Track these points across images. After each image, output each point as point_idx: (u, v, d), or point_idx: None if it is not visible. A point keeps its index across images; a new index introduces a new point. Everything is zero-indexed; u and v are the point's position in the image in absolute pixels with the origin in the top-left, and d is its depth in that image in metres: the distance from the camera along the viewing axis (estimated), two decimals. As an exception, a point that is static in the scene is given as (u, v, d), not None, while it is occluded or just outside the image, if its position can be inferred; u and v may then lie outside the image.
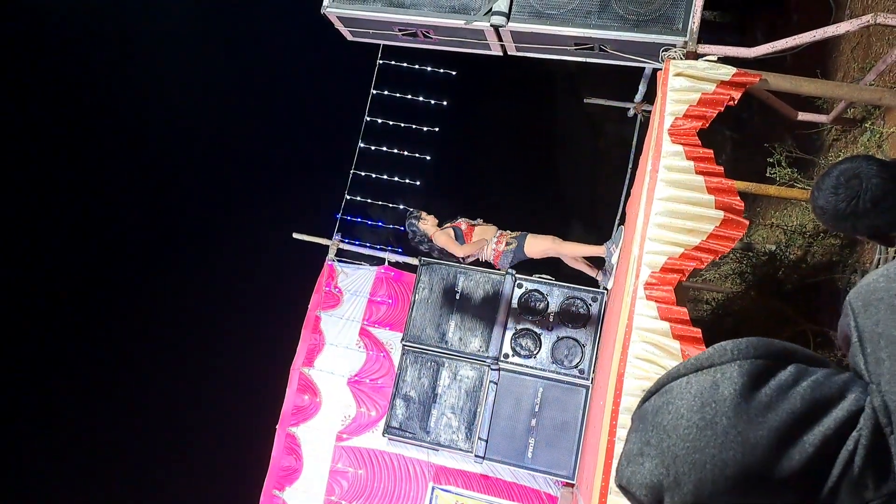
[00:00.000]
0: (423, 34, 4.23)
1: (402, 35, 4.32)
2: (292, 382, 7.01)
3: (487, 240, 6.03)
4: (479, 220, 6.23)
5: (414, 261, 6.78)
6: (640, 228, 3.79)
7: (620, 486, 0.81)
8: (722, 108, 3.73)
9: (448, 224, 6.16)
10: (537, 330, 6.26)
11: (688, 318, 3.61)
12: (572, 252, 6.08)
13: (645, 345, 3.61)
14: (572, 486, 6.01)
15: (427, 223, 6.09)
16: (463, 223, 6.16)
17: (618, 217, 6.61)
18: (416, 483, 6.71)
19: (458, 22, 4.08)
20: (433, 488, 6.39)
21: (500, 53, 4.30)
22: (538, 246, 5.93)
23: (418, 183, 6.49)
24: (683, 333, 3.59)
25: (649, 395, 0.83)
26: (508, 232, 6.09)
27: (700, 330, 3.59)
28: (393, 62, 5.84)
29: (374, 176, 6.48)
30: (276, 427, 6.97)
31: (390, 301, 6.96)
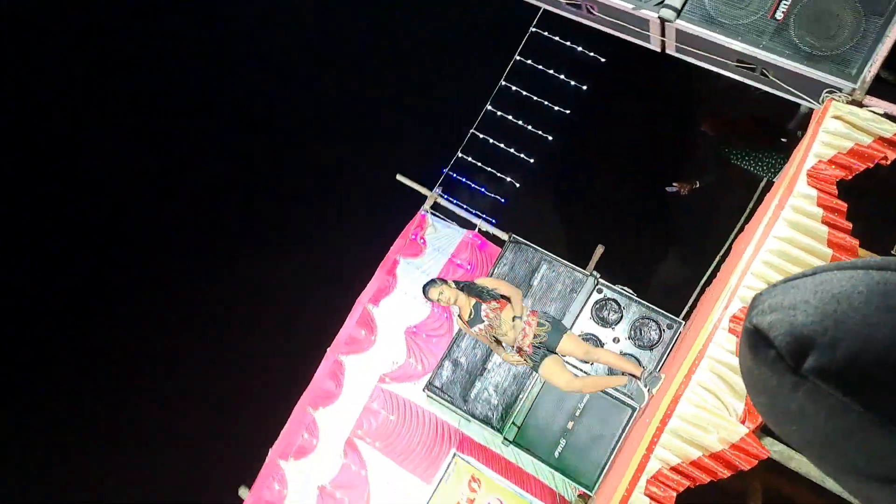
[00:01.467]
0: (588, 7, 4.16)
1: (566, 3, 4.26)
2: (354, 314, 7.15)
3: (504, 331, 5.08)
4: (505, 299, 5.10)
5: (503, 235, 6.77)
6: (746, 259, 3.64)
7: (754, 328, 0.75)
8: (871, 165, 3.52)
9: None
10: (602, 339, 6.16)
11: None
12: (606, 362, 5.40)
13: (712, 374, 3.50)
14: (588, 497, 5.93)
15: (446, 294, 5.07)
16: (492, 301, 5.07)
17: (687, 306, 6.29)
18: (439, 444, 6.76)
19: (626, 4, 3.99)
20: (454, 454, 6.42)
21: (657, 49, 4.18)
22: (571, 348, 5.15)
23: (532, 161, 6.43)
24: (756, 377, 3.45)
25: (792, 277, 0.78)
26: (537, 316, 5.12)
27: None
28: (546, 33, 5.78)
29: (490, 141, 6.46)
30: (328, 350, 7.14)
31: (469, 267, 6.97)
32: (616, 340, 6.14)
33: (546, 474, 6.42)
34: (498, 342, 5.17)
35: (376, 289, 7.12)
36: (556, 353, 5.17)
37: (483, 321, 5.10)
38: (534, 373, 5.52)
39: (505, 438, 6.16)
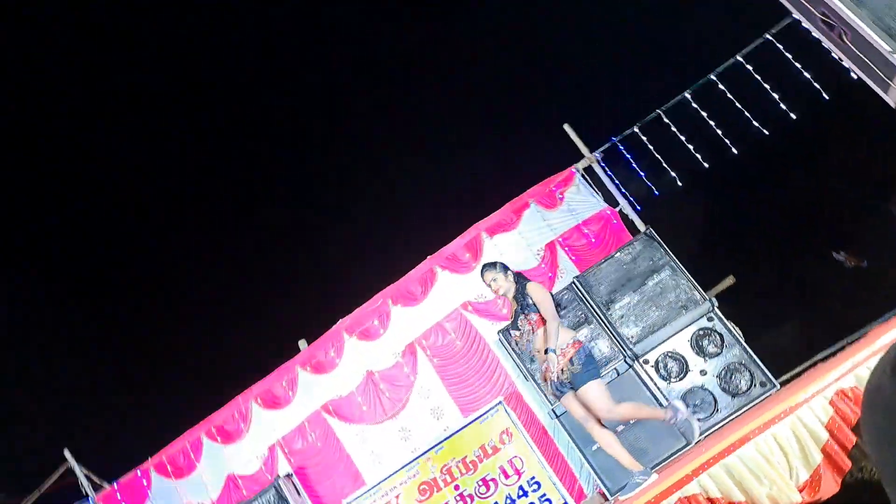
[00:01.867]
0: (841, 33, 3.85)
1: (821, 20, 3.96)
2: (466, 235, 7.21)
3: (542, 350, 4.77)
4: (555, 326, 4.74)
5: (641, 225, 6.57)
6: (881, 345, 3.38)
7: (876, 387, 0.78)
8: None
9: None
10: (690, 365, 5.95)
11: (850, 447, 3.25)
12: (628, 417, 4.94)
13: (791, 433, 3.31)
14: (606, 500, 5.84)
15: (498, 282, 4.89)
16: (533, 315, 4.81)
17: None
18: (490, 387, 6.83)
19: (884, 45, 3.67)
20: (500, 403, 6.47)
21: (893, 105, 3.84)
22: (593, 398, 4.64)
23: (707, 165, 6.13)
24: (833, 455, 3.25)
25: None
26: (574, 352, 4.71)
27: (850, 464, 3.23)
28: (781, 46, 5.41)
29: (672, 129, 6.21)
30: (429, 257, 7.26)
31: (594, 240, 6.84)
32: (703, 373, 5.91)
33: (576, 460, 6.37)
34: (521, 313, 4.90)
35: (497, 221, 7.13)
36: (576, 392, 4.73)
37: (518, 329, 4.95)
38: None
39: (553, 411, 6.12)
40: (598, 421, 4.72)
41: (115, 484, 7.71)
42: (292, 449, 7.35)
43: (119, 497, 7.60)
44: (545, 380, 4.80)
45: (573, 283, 6.30)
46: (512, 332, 4.92)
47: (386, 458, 7.06)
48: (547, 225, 6.93)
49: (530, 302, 4.81)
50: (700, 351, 5.96)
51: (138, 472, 7.67)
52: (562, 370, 4.68)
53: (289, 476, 6.91)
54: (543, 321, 4.77)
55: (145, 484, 7.59)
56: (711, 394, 5.83)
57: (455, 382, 6.96)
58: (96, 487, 7.74)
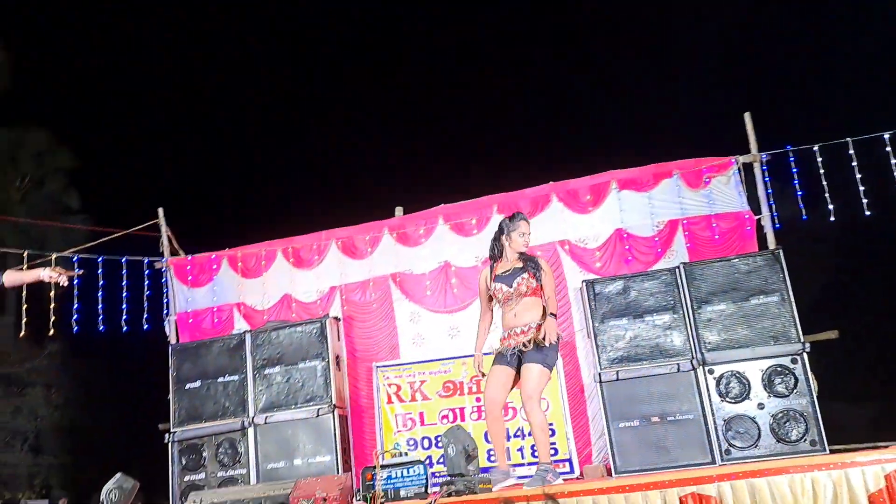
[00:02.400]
0: None
1: None
2: (596, 179, 7.04)
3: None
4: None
5: (772, 243, 6.21)
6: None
7: None
8: None
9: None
10: (751, 394, 5.69)
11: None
12: (534, 427, 4.57)
13: (830, 485, 3.15)
14: (608, 475, 5.78)
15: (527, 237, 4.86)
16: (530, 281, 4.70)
17: None
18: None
19: None
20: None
21: None
22: (530, 379, 4.54)
23: (868, 213, 5.62)
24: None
25: None
26: (543, 333, 4.55)
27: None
28: None
29: (854, 163, 5.72)
30: (552, 182, 7.13)
31: (718, 237, 6.58)
32: (760, 406, 5.66)
33: (597, 429, 6.32)
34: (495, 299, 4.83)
35: (632, 177, 6.90)
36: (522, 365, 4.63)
37: (511, 287, 4.74)
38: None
39: (599, 375, 6.03)
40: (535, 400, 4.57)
41: (189, 257, 8.20)
42: (349, 298, 7.59)
43: (189, 269, 8.10)
44: (509, 347, 4.70)
45: (679, 267, 6.08)
46: (503, 285, 4.75)
47: (427, 345, 7.21)
48: (680, 202, 6.65)
49: (539, 273, 4.77)
50: (768, 385, 5.69)
51: (213, 255, 8.12)
52: (530, 341, 4.61)
53: (336, 319, 7.16)
54: (539, 294, 4.73)
55: (214, 268, 8.04)
56: (758, 429, 5.61)
57: (521, 307, 6.93)
58: (174, 252, 8.26)
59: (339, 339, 7.07)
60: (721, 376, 5.78)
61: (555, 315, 4.67)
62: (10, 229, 15.51)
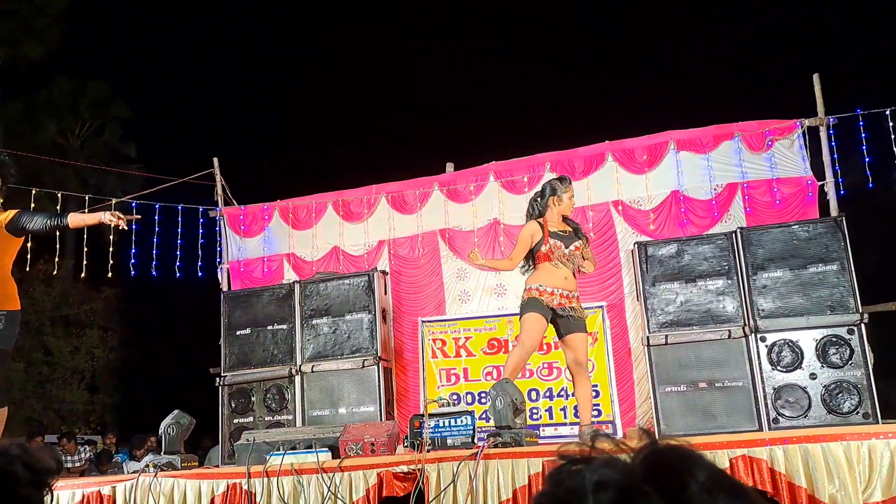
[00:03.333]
0: None
1: None
2: (653, 139, 6.88)
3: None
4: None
5: (834, 210, 6.00)
6: None
7: None
8: None
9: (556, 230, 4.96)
10: (804, 364, 5.56)
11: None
12: (580, 392, 4.87)
13: (888, 453, 3.06)
14: (649, 435, 5.74)
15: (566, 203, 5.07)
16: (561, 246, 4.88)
17: None
18: (599, 287, 6.78)
19: None
20: (601, 307, 6.45)
21: None
22: (576, 345, 4.78)
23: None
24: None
25: None
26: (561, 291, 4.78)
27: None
28: None
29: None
30: (608, 141, 6.99)
31: (778, 202, 6.39)
32: (813, 377, 5.54)
33: (643, 392, 6.28)
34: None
35: (691, 138, 6.72)
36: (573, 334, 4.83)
37: (569, 249, 4.89)
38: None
39: (647, 338, 5.96)
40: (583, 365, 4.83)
41: (242, 207, 8.32)
42: (397, 253, 7.63)
43: (241, 218, 8.23)
44: (558, 305, 4.83)
45: (736, 232, 5.92)
46: (562, 244, 4.95)
47: (473, 302, 7.22)
48: (740, 164, 6.46)
49: (587, 246, 5.04)
50: (822, 356, 5.56)
51: (265, 206, 8.22)
52: (574, 309, 4.83)
53: (384, 273, 7.20)
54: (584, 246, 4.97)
55: (266, 218, 8.15)
56: (809, 399, 5.50)
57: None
58: (227, 202, 8.39)
59: (385, 293, 7.12)
60: (773, 344, 5.66)
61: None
62: (71, 175, 15.96)
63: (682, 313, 5.94)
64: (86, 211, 7.18)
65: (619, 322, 6.60)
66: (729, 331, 5.77)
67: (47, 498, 1.06)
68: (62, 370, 15.50)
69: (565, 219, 5.04)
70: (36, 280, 13.67)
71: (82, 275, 8.19)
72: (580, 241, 4.95)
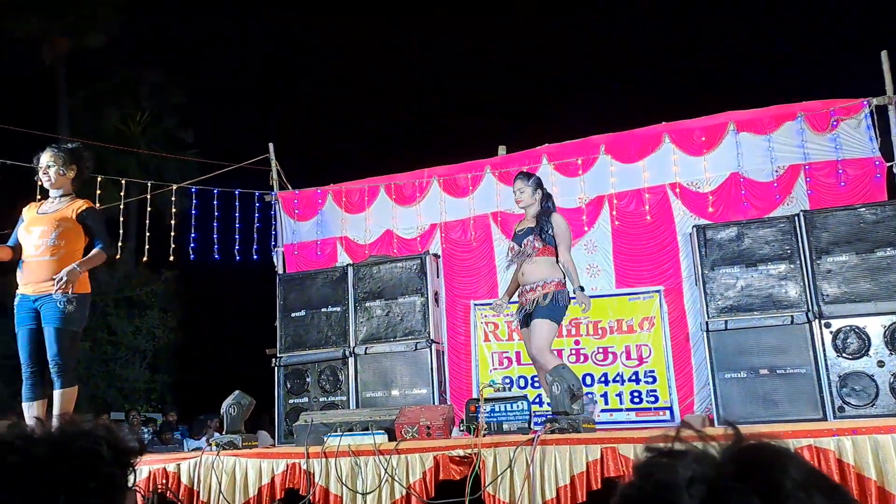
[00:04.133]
0: None
1: None
2: (712, 119, 6.72)
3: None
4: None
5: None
6: None
7: None
8: None
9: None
10: (870, 351, 5.37)
11: None
12: (545, 365, 4.64)
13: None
14: (710, 423, 5.65)
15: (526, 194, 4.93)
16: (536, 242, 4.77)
17: None
18: (656, 271, 6.67)
19: None
20: (659, 291, 6.37)
21: None
22: (537, 334, 4.62)
23: None
24: None
25: None
26: (555, 285, 4.67)
27: None
28: None
29: None
30: (664, 123, 6.84)
31: (843, 184, 6.16)
32: (881, 364, 5.35)
33: (702, 378, 6.17)
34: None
35: (752, 118, 6.51)
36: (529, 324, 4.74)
37: (520, 246, 4.85)
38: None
39: (706, 323, 5.84)
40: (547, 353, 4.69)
41: (296, 191, 8.43)
42: (449, 236, 7.62)
43: (296, 202, 8.34)
44: (521, 305, 4.87)
45: (799, 215, 5.75)
46: (514, 243, 4.94)
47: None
48: (803, 146, 6.24)
49: (550, 231, 4.81)
50: (891, 343, 5.37)
51: (318, 190, 8.31)
52: (534, 300, 4.70)
53: (436, 256, 7.22)
54: (549, 253, 4.77)
55: (320, 202, 8.24)
56: (877, 387, 5.32)
57: (625, 252, 6.78)
58: (282, 186, 8.51)
59: (437, 276, 7.14)
60: (838, 331, 5.49)
61: (582, 288, 4.71)
62: (132, 162, 16.42)
63: (742, 298, 5.80)
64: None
65: (677, 307, 6.47)
66: (791, 316, 5.62)
67: (130, 477, 1.09)
68: (125, 350, 16.04)
69: (538, 213, 4.95)
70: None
71: (144, 258, 8.42)
72: (533, 234, 4.83)
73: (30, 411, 4.31)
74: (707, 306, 5.87)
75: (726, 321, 5.79)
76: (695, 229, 6.08)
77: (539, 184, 5.04)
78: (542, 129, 7.54)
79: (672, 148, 6.73)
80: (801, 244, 5.68)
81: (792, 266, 5.71)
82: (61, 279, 4.16)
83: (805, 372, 5.50)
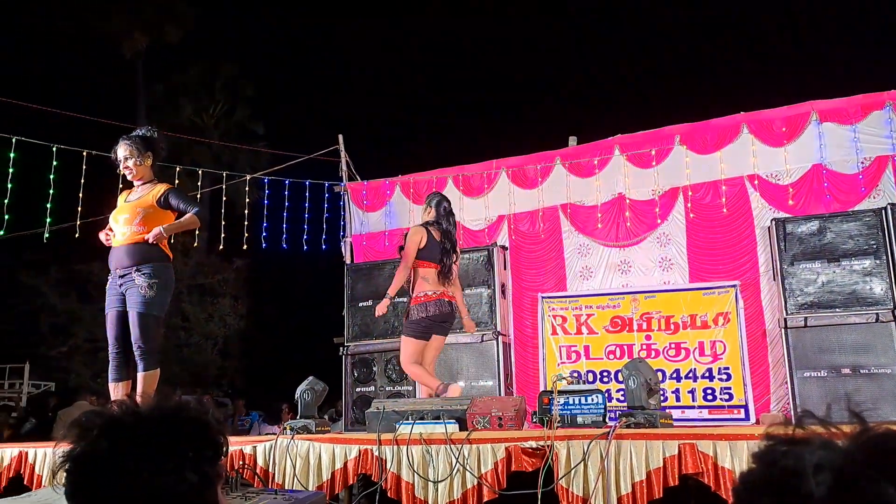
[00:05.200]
0: None
1: None
2: (793, 109, 6.47)
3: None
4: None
5: None
6: None
7: None
8: None
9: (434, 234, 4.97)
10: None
11: None
12: (414, 376, 5.32)
13: None
14: (785, 423, 5.46)
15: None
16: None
17: None
18: (732, 265, 6.51)
19: None
20: (735, 286, 6.18)
21: None
22: (403, 348, 4.99)
23: None
24: None
25: None
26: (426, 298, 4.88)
27: None
28: None
29: None
30: (743, 112, 6.63)
31: None
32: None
33: (779, 377, 5.98)
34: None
35: (836, 108, 6.25)
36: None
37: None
38: None
39: (784, 320, 5.65)
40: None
41: (365, 182, 8.52)
42: (517, 227, 7.58)
43: (364, 193, 8.43)
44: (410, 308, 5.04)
45: (886, 209, 5.51)
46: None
47: (596, 279, 7.09)
48: (891, 136, 5.96)
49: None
50: None
51: (386, 181, 8.38)
52: (428, 304, 4.87)
53: (503, 248, 7.19)
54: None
55: (388, 193, 8.31)
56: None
57: (700, 245, 6.62)
58: (351, 177, 8.61)
59: (505, 268, 7.11)
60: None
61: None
62: (206, 153, 16.92)
63: (823, 294, 5.59)
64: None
65: (754, 302, 6.28)
66: (877, 314, 5.39)
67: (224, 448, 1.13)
68: (197, 335, 16.57)
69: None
70: (175, 251, 14.65)
71: (220, 247, 8.67)
72: None
73: (115, 392, 4.48)
74: (786, 302, 5.68)
75: (806, 318, 5.59)
76: (774, 223, 5.88)
77: (441, 203, 5.19)
78: (615, 120, 7.40)
79: (751, 138, 6.52)
80: (888, 239, 5.43)
81: (878, 262, 5.47)
82: (149, 237, 4.35)
83: (891, 372, 5.27)
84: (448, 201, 5.23)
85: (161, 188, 4.58)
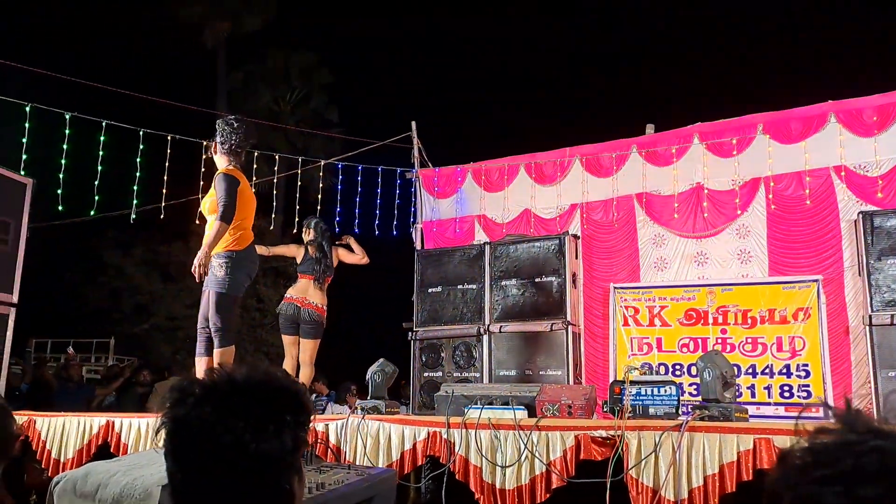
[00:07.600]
0: None
1: None
2: (886, 98, 6.15)
3: None
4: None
5: None
6: None
7: None
8: None
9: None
10: None
11: None
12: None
13: None
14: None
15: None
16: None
17: None
18: (815, 259, 6.29)
19: None
20: (817, 280, 5.94)
21: None
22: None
23: None
24: None
25: None
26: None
27: None
28: None
29: None
30: (829, 102, 6.36)
31: None
32: None
33: (861, 375, 5.75)
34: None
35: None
36: None
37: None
38: None
39: (869, 317, 5.41)
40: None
41: (437, 168, 8.57)
42: (590, 217, 7.49)
43: (436, 180, 8.48)
44: None
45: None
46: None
47: (670, 270, 6.94)
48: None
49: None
50: None
51: (458, 168, 8.41)
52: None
53: (575, 237, 7.11)
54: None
55: (459, 180, 8.34)
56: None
57: (780, 237, 6.39)
58: (423, 164, 8.67)
59: (576, 257, 7.04)
60: None
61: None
62: (282, 139, 17.32)
63: (869, 293, 5.35)
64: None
65: (837, 298, 6.03)
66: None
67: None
68: (271, 317, 17.03)
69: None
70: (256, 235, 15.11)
71: (294, 231, 8.88)
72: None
73: (199, 365, 4.68)
74: (871, 299, 5.44)
75: (892, 315, 5.34)
76: (861, 216, 5.63)
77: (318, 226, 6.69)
78: (695, 107, 7.19)
79: (838, 128, 6.24)
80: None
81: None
82: (195, 268, 4.41)
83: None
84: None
85: (217, 173, 4.70)
